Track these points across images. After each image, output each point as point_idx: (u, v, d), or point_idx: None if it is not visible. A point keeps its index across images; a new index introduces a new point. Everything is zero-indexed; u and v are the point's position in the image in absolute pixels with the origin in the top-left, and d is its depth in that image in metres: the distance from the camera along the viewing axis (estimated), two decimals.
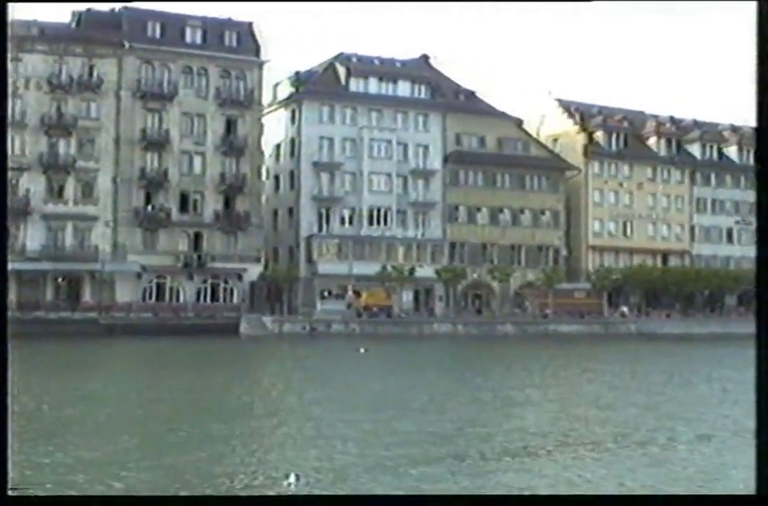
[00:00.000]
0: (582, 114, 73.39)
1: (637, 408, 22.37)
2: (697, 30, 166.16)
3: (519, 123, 70.69)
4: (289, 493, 11.87)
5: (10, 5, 3.75)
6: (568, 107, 74.27)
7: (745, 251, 77.08)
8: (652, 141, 74.88)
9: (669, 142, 75.37)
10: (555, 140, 72.13)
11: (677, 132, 76.67)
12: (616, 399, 24.62)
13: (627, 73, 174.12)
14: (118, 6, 57.36)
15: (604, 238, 71.04)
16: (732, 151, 78.23)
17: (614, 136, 72.90)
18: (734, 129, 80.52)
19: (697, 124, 79.34)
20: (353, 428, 17.86)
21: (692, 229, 75.21)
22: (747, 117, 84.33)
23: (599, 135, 72.38)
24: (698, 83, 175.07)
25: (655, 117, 77.67)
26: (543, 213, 68.33)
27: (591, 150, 71.24)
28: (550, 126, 73.52)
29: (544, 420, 20.21)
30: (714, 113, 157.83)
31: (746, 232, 77.49)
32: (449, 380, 30.37)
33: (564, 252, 68.88)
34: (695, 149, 76.58)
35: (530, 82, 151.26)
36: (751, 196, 77.33)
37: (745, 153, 78.47)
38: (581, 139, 71.75)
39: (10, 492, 3.72)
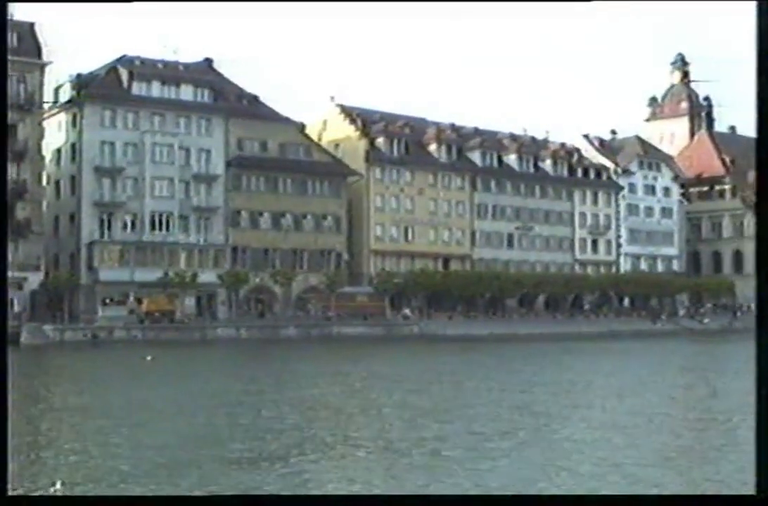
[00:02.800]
0: (364, 120, 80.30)
1: (392, 408, 25.83)
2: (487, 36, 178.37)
3: (302, 128, 76.92)
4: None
5: (10, 5, 5.09)
6: (350, 113, 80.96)
7: (524, 255, 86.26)
8: (433, 147, 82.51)
9: (450, 148, 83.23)
10: (337, 145, 78.53)
11: (458, 139, 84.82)
12: (388, 398, 28.49)
13: (414, 79, 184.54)
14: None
15: (386, 243, 77.74)
16: (511, 159, 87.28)
17: (396, 142, 79.95)
18: (513, 137, 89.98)
19: (477, 131, 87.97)
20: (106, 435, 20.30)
21: (473, 233, 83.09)
22: (526, 126, 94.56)
23: (381, 141, 79.21)
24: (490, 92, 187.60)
25: (437, 124, 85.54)
26: (325, 218, 74.13)
27: (373, 156, 78.12)
28: (333, 131, 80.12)
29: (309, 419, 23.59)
30: (498, 122, 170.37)
31: (526, 237, 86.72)
32: (224, 384, 33.25)
33: (346, 256, 74.85)
34: (476, 156, 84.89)
35: (314, 87, 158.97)
36: (530, 202, 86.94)
37: (525, 161, 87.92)
38: (363, 144, 78.45)
39: (10, 492, 3.72)
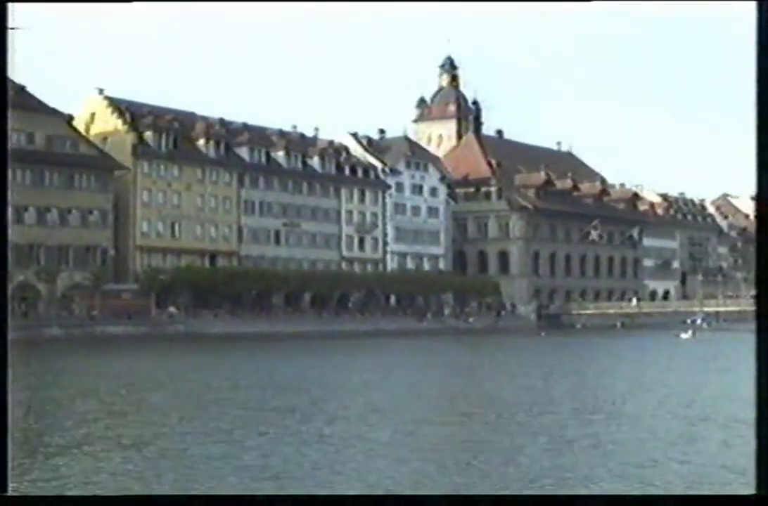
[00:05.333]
0: (132, 113, 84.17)
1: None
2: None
3: (69, 120, 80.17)
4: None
5: (10, 5, 4.18)
6: (118, 106, 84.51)
7: (291, 252, 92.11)
8: (201, 142, 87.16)
9: (218, 144, 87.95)
10: (105, 139, 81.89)
11: (226, 134, 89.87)
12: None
13: (187, 73, 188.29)
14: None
15: (153, 239, 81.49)
16: (280, 155, 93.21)
17: (164, 137, 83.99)
18: (282, 134, 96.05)
19: (246, 127, 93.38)
20: None
21: (240, 230, 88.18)
22: (296, 123, 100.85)
23: (149, 135, 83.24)
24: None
25: (205, 119, 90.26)
26: (91, 213, 77.03)
27: (140, 150, 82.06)
28: (101, 124, 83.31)
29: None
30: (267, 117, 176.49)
31: (293, 234, 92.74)
32: None
33: (112, 252, 78.15)
34: (244, 152, 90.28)
35: (84, 78, 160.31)
36: (297, 199, 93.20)
37: (293, 157, 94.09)
38: (131, 138, 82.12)
39: (10, 492, 4.05)
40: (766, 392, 4.22)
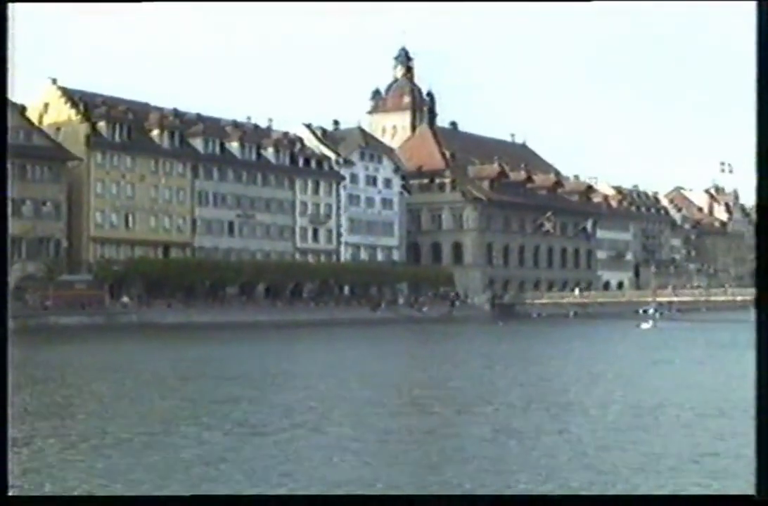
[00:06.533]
0: (86, 103, 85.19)
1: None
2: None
3: (22, 110, 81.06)
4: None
5: (10, 5, 4.13)
6: (71, 96, 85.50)
7: (245, 243, 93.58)
8: (155, 133, 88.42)
9: (172, 134, 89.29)
10: (58, 129, 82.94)
11: (181, 125, 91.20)
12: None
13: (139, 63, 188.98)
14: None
15: (106, 230, 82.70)
16: (234, 147, 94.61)
17: (118, 127, 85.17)
18: (236, 125, 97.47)
19: (200, 118, 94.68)
20: None
21: (194, 221, 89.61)
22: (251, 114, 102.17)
23: (102, 125, 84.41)
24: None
25: (160, 109, 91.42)
26: (45, 204, 78.28)
27: (94, 140, 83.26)
28: (54, 114, 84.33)
29: None
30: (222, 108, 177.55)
31: (247, 225, 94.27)
32: None
33: (65, 243, 79.40)
34: (198, 143, 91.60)
35: (36, 67, 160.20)
36: (251, 190, 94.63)
37: (247, 149, 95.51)
38: (84, 128, 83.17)
39: (10, 493, 4.02)
40: (766, 394, 4.08)
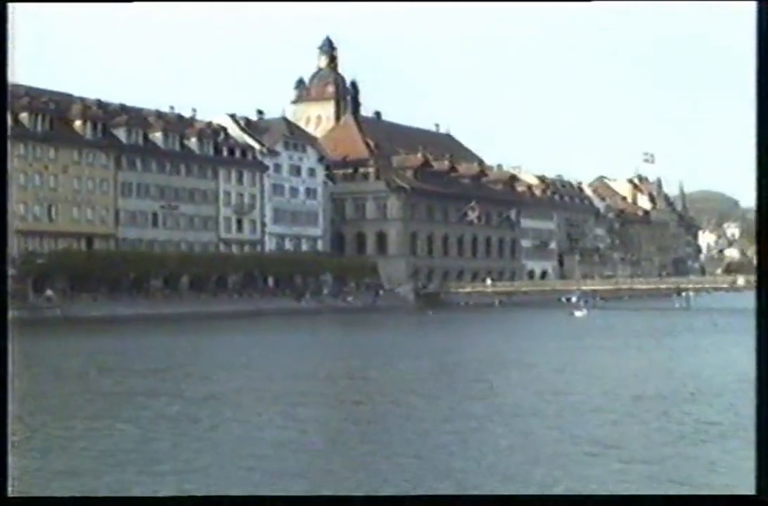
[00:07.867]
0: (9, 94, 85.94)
1: None
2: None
3: None
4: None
5: (10, 5, 4.26)
6: None
7: (169, 235, 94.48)
8: (78, 124, 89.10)
9: (95, 125, 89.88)
10: None
11: (104, 116, 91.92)
12: None
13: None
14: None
15: (29, 222, 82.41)
16: (157, 137, 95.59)
17: (40, 118, 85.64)
18: (159, 115, 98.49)
19: (123, 108, 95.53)
20: None
21: (117, 212, 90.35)
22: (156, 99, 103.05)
23: (24, 116, 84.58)
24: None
25: (82, 100, 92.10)
26: None
27: (15, 131, 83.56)
28: None
29: None
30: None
31: (170, 217, 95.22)
32: None
33: None
34: (121, 133, 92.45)
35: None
36: (175, 181, 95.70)
37: (171, 139, 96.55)
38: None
39: (10, 493, 4.15)
40: (766, 392, 4.11)
